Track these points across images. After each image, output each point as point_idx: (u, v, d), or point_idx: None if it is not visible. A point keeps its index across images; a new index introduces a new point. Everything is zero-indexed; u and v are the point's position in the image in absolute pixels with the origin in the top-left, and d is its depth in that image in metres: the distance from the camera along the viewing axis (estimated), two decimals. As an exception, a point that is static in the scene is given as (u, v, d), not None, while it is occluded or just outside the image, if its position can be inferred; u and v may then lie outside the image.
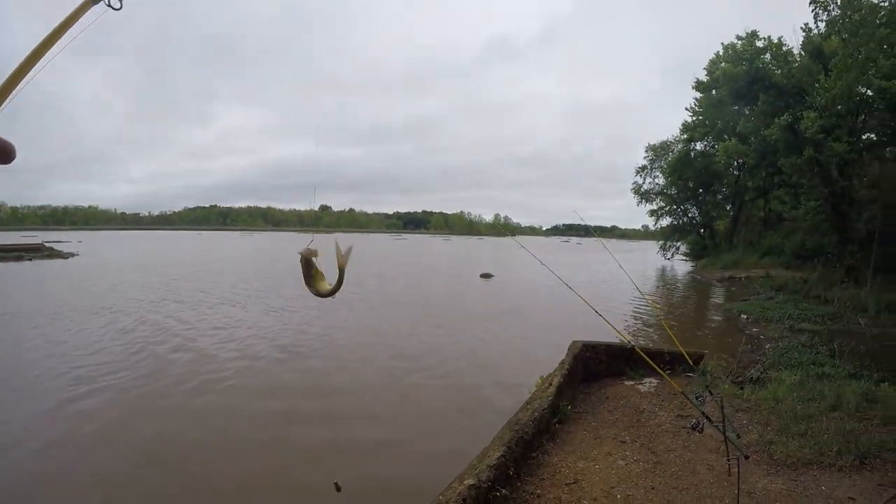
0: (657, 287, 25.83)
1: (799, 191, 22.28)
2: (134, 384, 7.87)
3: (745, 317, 14.57)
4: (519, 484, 3.88)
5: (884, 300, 14.66)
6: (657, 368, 4.00)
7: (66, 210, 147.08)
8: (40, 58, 1.44)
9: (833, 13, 14.95)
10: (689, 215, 39.29)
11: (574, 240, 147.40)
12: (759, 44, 22.91)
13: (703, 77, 28.87)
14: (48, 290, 18.29)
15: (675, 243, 40.58)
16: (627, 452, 4.45)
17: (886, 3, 12.75)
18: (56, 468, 5.20)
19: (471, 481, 3.35)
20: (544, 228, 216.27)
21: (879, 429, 4.89)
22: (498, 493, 3.53)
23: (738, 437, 4.70)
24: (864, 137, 19.36)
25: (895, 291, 15.15)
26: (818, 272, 19.31)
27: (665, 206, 39.47)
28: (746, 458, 3.93)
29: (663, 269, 36.08)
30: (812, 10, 14.88)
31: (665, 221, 40.30)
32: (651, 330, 13.45)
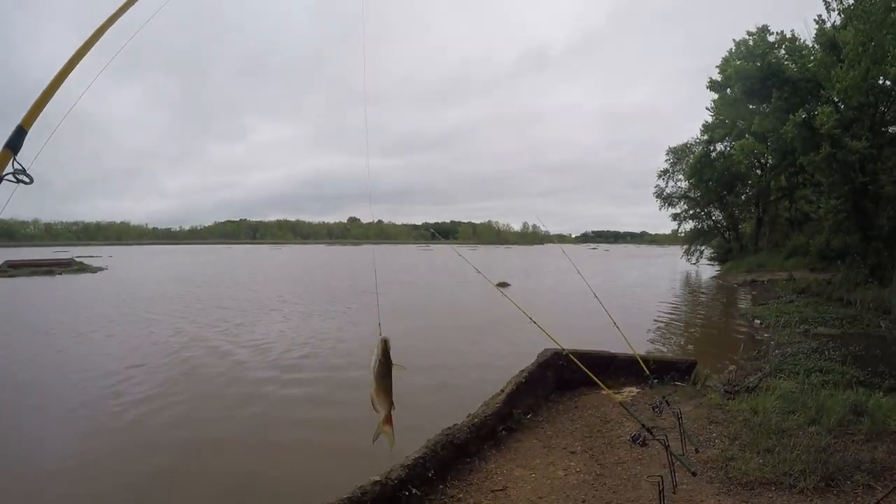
0: (676, 291, 25.11)
1: (820, 189, 21.44)
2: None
3: (759, 322, 13.96)
4: (441, 486, 3.77)
5: (908, 300, 13.92)
6: (592, 377, 3.76)
7: (98, 226, 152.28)
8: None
9: (847, 2, 14.42)
10: (713, 218, 38.32)
11: (602, 246, 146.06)
12: (771, 38, 22.22)
13: (717, 76, 28.09)
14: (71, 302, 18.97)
15: (699, 247, 39.58)
16: (572, 463, 4.20)
17: None
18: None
19: (376, 478, 3.36)
20: (573, 236, 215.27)
21: (860, 445, 4.50)
22: (408, 493, 3.46)
23: (697, 451, 4.40)
24: (886, 130, 18.50)
25: (919, 291, 14.39)
26: (842, 273, 18.48)
27: (688, 210, 38.61)
28: (694, 474, 3.65)
29: (687, 274, 35.14)
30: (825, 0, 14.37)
31: (689, 225, 39.44)
32: (669, 337, 13.02)
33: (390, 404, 2.09)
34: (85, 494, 5.01)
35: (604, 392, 6.17)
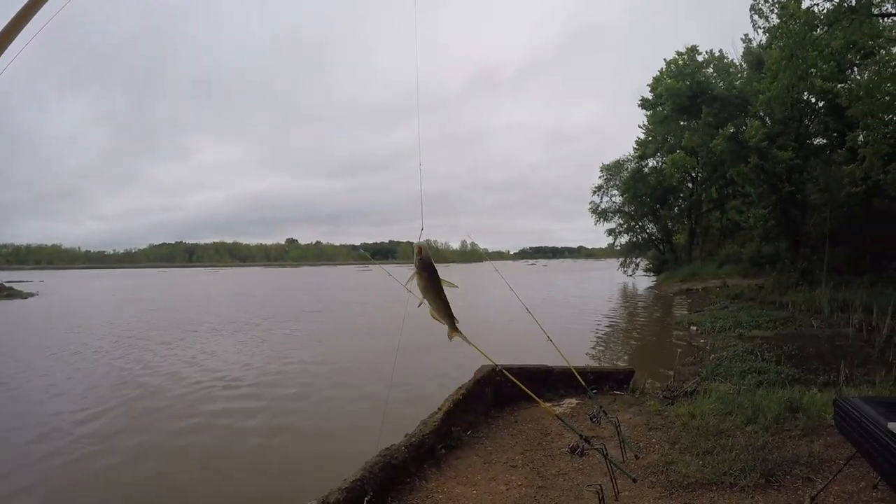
0: (614, 303, 25.56)
1: (749, 199, 22.57)
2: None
3: (694, 328, 14.36)
4: None
5: (837, 300, 14.71)
6: (527, 391, 3.64)
7: (28, 248, 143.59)
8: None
9: (772, 21, 15.27)
10: (647, 231, 39.64)
11: (540, 262, 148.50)
12: (700, 58, 23.45)
13: (648, 94, 29.33)
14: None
15: (634, 259, 40.78)
16: (513, 477, 4.06)
17: (824, 10, 13.02)
18: None
19: (313, 502, 3.26)
20: (512, 252, 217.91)
21: (797, 441, 4.56)
22: None
23: (637, 457, 4.35)
24: (811, 142, 19.72)
25: (847, 290, 15.24)
26: (773, 278, 19.41)
27: (623, 224, 39.80)
28: (634, 480, 3.58)
29: (624, 286, 36.11)
30: (751, 19, 15.19)
31: (624, 239, 40.61)
32: (607, 348, 13.14)
33: (450, 316, 2.12)
34: None
35: (549, 406, 6.13)
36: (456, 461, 4.38)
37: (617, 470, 3.50)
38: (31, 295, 35.58)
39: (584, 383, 4.66)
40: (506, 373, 3.70)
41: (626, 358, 12.14)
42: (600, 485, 3.24)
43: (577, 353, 10.98)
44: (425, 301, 2.01)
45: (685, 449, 4.44)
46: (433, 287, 1.96)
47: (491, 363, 3.90)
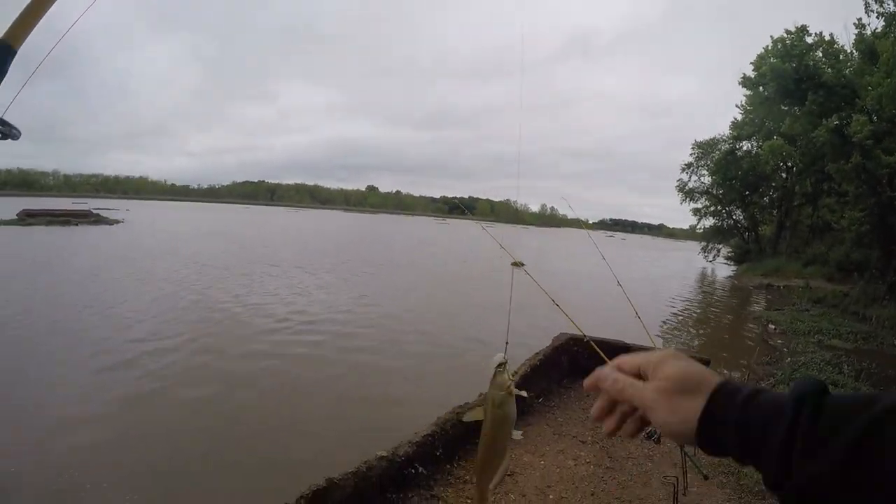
0: (690, 287, 24.86)
1: (845, 199, 21.00)
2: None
3: (773, 327, 13.76)
4: (448, 466, 3.70)
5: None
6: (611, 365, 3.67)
7: (116, 179, 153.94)
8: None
9: (888, 7, 13.85)
10: (734, 217, 37.77)
11: (619, 235, 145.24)
12: (810, 40, 21.54)
13: (751, 72, 27.33)
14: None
15: (717, 245, 39.15)
16: (582, 453, 4.14)
17: None
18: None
19: (382, 453, 3.31)
20: (591, 222, 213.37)
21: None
22: (414, 471, 3.42)
23: (709, 453, 4.33)
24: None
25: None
26: (859, 287, 18.16)
27: (709, 206, 38.07)
28: (706, 478, 3.59)
29: (703, 271, 34.83)
30: (865, 2, 13.81)
31: (708, 222, 38.91)
32: (679, 332, 12.93)
33: (489, 477, 1.36)
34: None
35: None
36: (526, 427, 4.50)
37: (689, 463, 3.51)
38: (117, 222, 38.11)
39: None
40: (594, 346, 3.70)
41: (696, 344, 11.90)
42: (676, 477, 3.28)
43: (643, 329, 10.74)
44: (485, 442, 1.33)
45: (759, 452, 4.38)
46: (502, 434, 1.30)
47: (576, 332, 3.93)
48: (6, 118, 1.29)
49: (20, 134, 1.33)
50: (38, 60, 1.44)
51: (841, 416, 0.48)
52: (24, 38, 1.24)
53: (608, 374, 0.71)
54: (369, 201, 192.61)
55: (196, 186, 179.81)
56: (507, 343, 1.39)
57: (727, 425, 0.55)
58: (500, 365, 1.32)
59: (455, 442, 3.88)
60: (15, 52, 1.22)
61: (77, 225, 33.36)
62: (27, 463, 4.61)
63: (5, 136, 1.31)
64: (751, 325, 14.45)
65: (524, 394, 1.42)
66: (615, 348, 6.21)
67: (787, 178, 31.74)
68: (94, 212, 39.80)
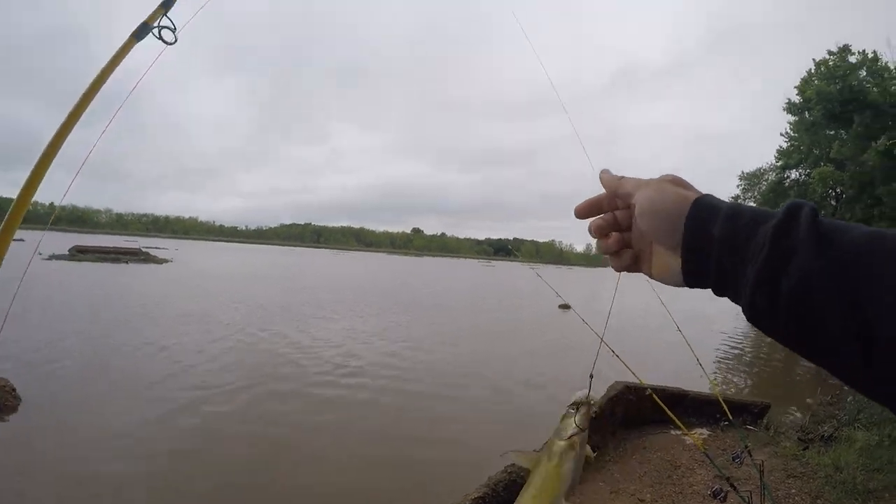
0: (739, 323, 23.87)
1: (899, 223, 20.05)
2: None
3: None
4: None
5: None
6: (675, 419, 3.53)
7: (167, 219, 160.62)
8: (85, 107, 1.57)
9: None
10: (785, 250, 36.37)
11: None
12: (853, 59, 20.96)
13: (795, 98, 26.63)
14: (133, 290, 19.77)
15: (769, 280, 37.64)
16: (642, 514, 3.98)
17: None
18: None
19: None
20: None
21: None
22: None
23: (778, 510, 4.11)
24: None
25: None
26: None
27: (759, 241, 36.78)
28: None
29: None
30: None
31: (759, 257, 37.58)
32: (728, 372, 12.35)
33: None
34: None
35: (679, 434, 5.86)
36: (580, 485, 4.36)
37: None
38: (165, 261, 38.84)
39: (730, 415, 4.40)
40: (656, 398, 3.59)
41: (749, 385, 11.35)
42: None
43: (697, 372, 10.34)
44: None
45: (831, 508, 4.13)
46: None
47: (635, 382, 3.80)
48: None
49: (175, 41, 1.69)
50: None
51: (840, 224, 0.46)
52: None
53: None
54: (414, 243, 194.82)
55: (244, 227, 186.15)
56: (591, 376, 0.84)
57: (718, 209, 0.55)
58: (573, 404, 0.92)
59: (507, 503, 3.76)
60: None
61: (127, 263, 34.37)
62: None
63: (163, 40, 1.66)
64: (804, 364, 13.71)
65: (592, 453, 0.94)
66: (674, 397, 6.00)
67: (836, 206, 30.57)
68: (144, 250, 41.16)
